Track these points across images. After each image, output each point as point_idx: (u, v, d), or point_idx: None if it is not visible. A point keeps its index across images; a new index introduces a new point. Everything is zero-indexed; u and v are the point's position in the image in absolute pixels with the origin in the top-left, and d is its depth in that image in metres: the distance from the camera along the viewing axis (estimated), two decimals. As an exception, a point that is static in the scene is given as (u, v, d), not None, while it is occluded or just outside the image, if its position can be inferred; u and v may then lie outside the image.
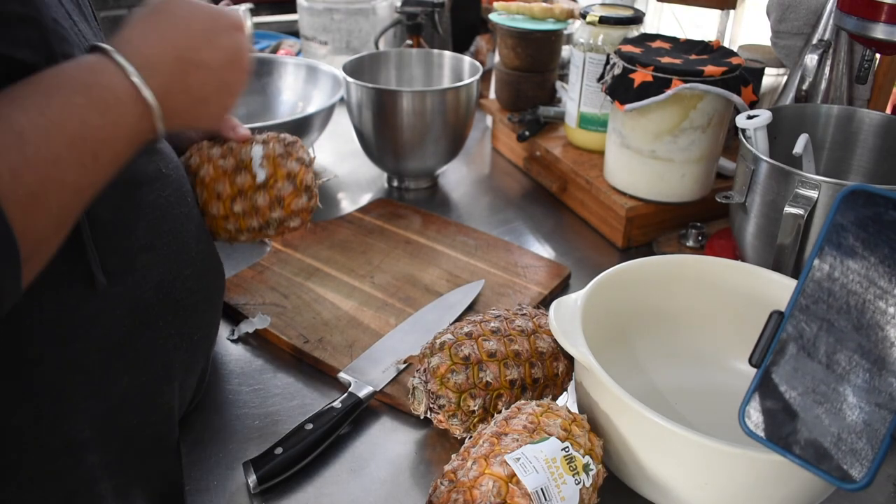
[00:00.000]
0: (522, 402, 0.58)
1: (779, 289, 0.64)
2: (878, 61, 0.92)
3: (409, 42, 1.35)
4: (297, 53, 1.55)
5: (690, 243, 0.93)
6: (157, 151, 0.56)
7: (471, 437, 0.55)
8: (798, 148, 0.74)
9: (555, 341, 0.64)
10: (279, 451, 0.60)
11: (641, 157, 0.90)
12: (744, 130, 0.76)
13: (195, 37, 0.49)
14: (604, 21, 0.99)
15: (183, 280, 0.57)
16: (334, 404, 0.65)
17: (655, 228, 0.96)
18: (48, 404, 0.48)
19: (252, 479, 0.59)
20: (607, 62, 0.93)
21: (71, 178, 0.41)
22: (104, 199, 0.46)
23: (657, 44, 0.94)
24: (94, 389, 0.50)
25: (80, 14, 0.53)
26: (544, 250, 0.96)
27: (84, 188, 0.43)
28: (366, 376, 0.69)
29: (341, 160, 1.20)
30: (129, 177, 0.51)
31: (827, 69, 0.91)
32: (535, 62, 1.14)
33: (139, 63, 0.45)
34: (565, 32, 1.21)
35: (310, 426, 0.62)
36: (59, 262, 0.44)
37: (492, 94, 1.25)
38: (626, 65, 0.88)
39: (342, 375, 0.69)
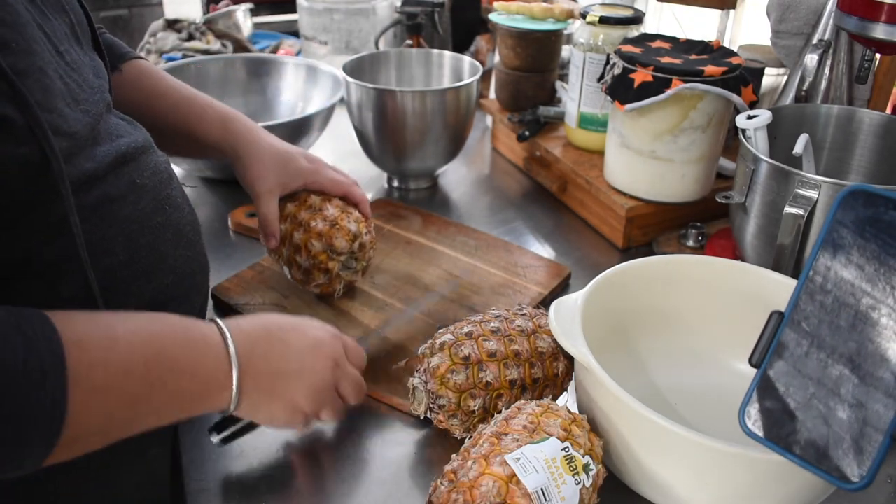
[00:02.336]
0: (522, 402, 0.58)
1: (779, 289, 0.64)
2: (878, 61, 0.92)
3: (409, 42, 1.35)
4: (297, 53, 1.55)
5: (690, 243, 0.93)
6: (132, 159, 0.55)
7: (471, 437, 0.55)
8: (798, 148, 0.74)
9: (555, 341, 0.64)
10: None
11: (641, 157, 0.90)
12: (744, 130, 0.76)
13: (287, 329, 0.57)
14: (604, 21, 0.99)
15: (163, 290, 0.56)
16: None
17: (655, 228, 0.96)
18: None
19: (215, 438, 0.61)
20: (607, 62, 0.93)
21: (133, 390, 0.45)
22: (81, 220, 0.47)
23: (657, 44, 0.94)
24: None
25: (73, 37, 0.52)
26: (544, 250, 0.96)
27: (139, 406, 0.46)
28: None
29: (341, 160, 1.20)
30: (101, 192, 0.50)
31: (827, 69, 0.91)
32: (535, 62, 1.14)
33: (233, 325, 0.53)
34: (565, 32, 1.20)
35: None
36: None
37: (492, 94, 1.25)
38: (626, 65, 0.88)
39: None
